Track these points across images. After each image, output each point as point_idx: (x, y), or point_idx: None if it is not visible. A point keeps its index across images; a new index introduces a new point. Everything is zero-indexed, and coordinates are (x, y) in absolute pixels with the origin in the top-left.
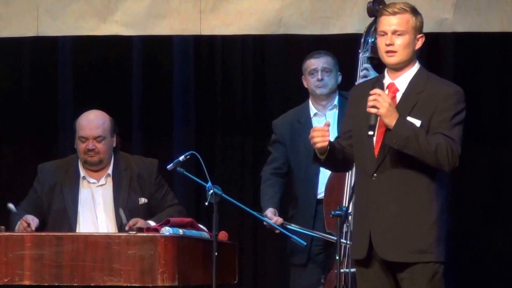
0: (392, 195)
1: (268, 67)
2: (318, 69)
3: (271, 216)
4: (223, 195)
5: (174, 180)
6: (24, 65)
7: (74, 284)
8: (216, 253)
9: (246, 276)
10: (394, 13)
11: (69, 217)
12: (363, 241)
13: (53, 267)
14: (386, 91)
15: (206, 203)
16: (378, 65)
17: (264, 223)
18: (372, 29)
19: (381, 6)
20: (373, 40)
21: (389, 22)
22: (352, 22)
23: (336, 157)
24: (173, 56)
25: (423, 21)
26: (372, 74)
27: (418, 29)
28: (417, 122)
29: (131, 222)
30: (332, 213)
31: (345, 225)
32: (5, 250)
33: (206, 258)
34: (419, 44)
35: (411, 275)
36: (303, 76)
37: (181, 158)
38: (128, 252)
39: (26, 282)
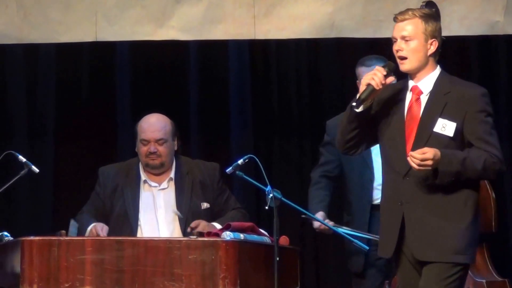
0: (426, 196)
1: (322, 70)
2: None
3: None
4: (283, 198)
5: (233, 184)
6: (83, 70)
7: None
8: (277, 258)
9: (307, 282)
10: (403, 20)
11: (130, 221)
12: (391, 240)
13: (114, 271)
14: (410, 94)
15: (266, 207)
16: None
17: (315, 226)
18: None
19: (433, 9)
20: None
21: (399, 28)
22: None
23: (363, 123)
24: (229, 60)
25: (440, 27)
26: None
27: (430, 34)
28: (453, 125)
29: (193, 223)
30: None
31: None
32: (65, 255)
33: (267, 263)
34: (432, 49)
35: (429, 269)
36: (357, 81)
37: (240, 161)
38: (189, 257)
39: (87, 287)
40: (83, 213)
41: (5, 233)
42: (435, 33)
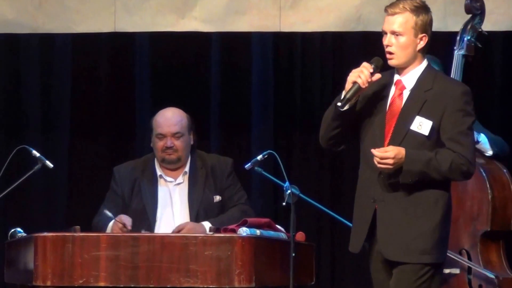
0: (397, 194)
1: (347, 64)
2: None
3: None
4: (300, 195)
5: (252, 179)
6: (100, 62)
7: (150, 286)
8: (293, 254)
9: (323, 278)
10: (394, 13)
11: (148, 217)
12: (360, 236)
13: (129, 268)
14: (394, 88)
15: (284, 203)
16: (472, 63)
17: None
18: (469, 26)
19: (478, 3)
20: (469, 38)
21: (389, 22)
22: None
23: (347, 121)
24: (252, 53)
25: (432, 19)
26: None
27: (420, 29)
28: (429, 123)
29: (177, 227)
30: None
31: None
32: (80, 251)
33: (283, 259)
34: (421, 44)
35: (401, 271)
36: None
37: (259, 157)
38: (205, 253)
39: (102, 284)
40: (101, 214)
41: (18, 229)
42: (426, 27)
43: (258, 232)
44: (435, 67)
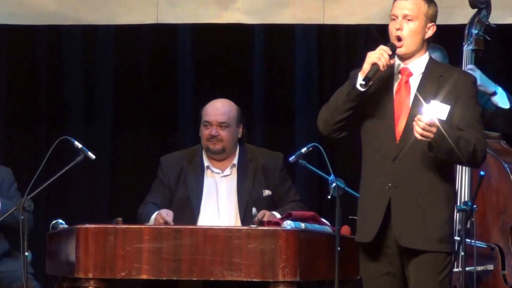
0: (414, 181)
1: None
2: None
3: None
4: (346, 188)
5: (296, 173)
6: (143, 53)
7: (193, 279)
8: (338, 248)
9: None
10: None
11: (192, 207)
12: (374, 224)
13: (171, 260)
14: (399, 76)
15: (329, 197)
16: (483, 58)
17: None
18: (476, 20)
19: None
20: (476, 32)
21: (401, 6)
22: (496, 13)
23: (358, 104)
24: (295, 46)
25: (438, 11)
26: (478, 75)
27: (430, 18)
28: (446, 107)
29: (260, 214)
30: (458, 207)
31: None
32: (122, 243)
33: (328, 253)
34: (429, 33)
35: (423, 263)
36: None
37: (303, 150)
38: (249, 246)
39: (144, 276)
40: (147, 204)
41: (60, 220)
42: (434, 18)
43: (303, 225)
44: (438, 55)
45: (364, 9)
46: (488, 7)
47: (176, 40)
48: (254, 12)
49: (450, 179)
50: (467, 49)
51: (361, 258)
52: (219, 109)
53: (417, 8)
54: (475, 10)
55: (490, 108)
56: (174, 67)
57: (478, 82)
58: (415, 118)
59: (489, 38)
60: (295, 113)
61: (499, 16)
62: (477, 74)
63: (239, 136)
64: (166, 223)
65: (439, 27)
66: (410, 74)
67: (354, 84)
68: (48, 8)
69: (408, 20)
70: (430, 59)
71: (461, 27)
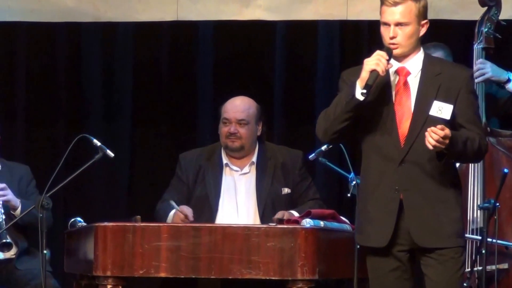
0: (422, 182)
1: None
2: None
3: None
4: None
5: (316, 170)
6: (163, 50)
7: (212, 277)
8: (358, 246)
9: None
10: (396, 4)
11: (210, 205)
12: (387, 228)
13: (190, 259)
14: (396, 76)
15: (348, 195)
16: (494, 55)
17: None
18: (485, 18)
19: None
20: (486, 30)
21: (391, 13)
22: (505, 7)
23: (356, 115)
24: (318, 42)
25: (427, 3)
26: (488, 66)
27: (422, 15)
28: (449, 107)
29: (278, 214)
30: (480, 205)
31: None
32: (140, 241)
33: (347, 251)
34: (423, 30)
35: (447, 258)
36: None
37: (324, 147)
38: (268, 244)
39: (162, 274)
40: (164, 201)
41: (79, 218)
42: (425, 13)
43: (322, 223)
44: (441, 54)
45: None
46: (498, 5)
47: (196, 37)
48: (276, 9)
49: (456, 176)
50: (477, 47)
51: (368, 258)
52: (238, 106)
53: (408, 12)
54: (485, 8)
55: (503, 95)
56: (194, 64)
57: (490, 74)
58: (428, 129)
59: (499, 36)
60: (315, 110)
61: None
62: (488, 66)
63: (259, 133)
64: (186, 217)
65: (447, 23)
66: (408, 73)
67: (354, 95)
68: (67, 5)
69: (401, 25)
70: (426, 55)
71: (469, 24)
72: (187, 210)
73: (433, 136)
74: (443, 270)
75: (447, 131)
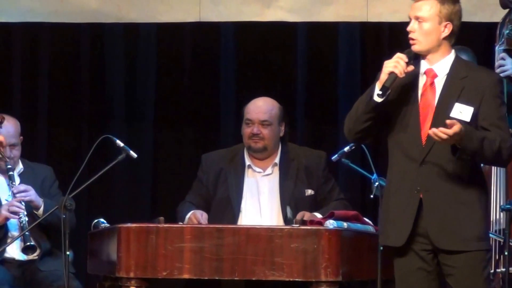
0: (444, 183)
1: None
2: None
3: None
4: None
5: (339, 171)
6: (185, 51)
7: (235, 278)
8: (381, 248)
9: None
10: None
11: (232, 206)
12: (405, 228)
13: (213, 260)
14: (424, 78)
15: (372, 196)
16: None
17: None
18: (507, 20)
19: None
20: (508, 32)
21: (413, 8)
22: None
23: (378, 112)
24: (339, 43)
25: (459, 10)
26: (509, 63)
27: (445, 17)
28: (470, 110)
29: (299, 215)
30: (502, 207)
31: None
32: (164, 242)
33: (370, 252)
34: (446, 32)
35: (465, 262)
36: None
37: (346, 149)
38: (291, 246)
39: (186, 276)
40: (185, 203)
41: (102, 219)
42: (451, 16)
43: (345, 224)
44: (465, 58)
45: (408, 6)
46: None
47: (218, 39)
48: (297, 10)
49: (479, 176)
50: (498, 49)
51: (394, 258)
52: (261, 107)
53: (429, 8)
54: (507, 10)
55: None
56: (217, 65)
57: (511, 71)
58: (429, 132)
59: None
60: (338, 111)
61: None
62: (509, 62)
63: (281, 134)
64: (199, 224)
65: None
66: (435, 76)
67: (372, 96)
68: (90, 6)
69: (420, 21)
70: (456, 58)
71: (487, 26)
72: (200, 216)
73: (441, 136)
74: (463, 274)
75: (456, 128)
